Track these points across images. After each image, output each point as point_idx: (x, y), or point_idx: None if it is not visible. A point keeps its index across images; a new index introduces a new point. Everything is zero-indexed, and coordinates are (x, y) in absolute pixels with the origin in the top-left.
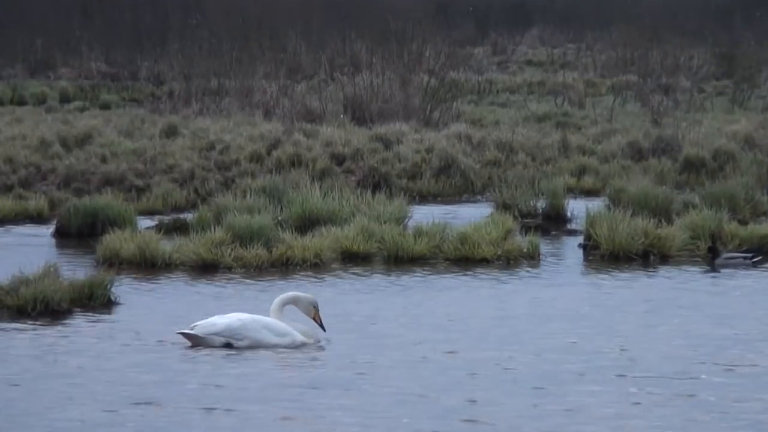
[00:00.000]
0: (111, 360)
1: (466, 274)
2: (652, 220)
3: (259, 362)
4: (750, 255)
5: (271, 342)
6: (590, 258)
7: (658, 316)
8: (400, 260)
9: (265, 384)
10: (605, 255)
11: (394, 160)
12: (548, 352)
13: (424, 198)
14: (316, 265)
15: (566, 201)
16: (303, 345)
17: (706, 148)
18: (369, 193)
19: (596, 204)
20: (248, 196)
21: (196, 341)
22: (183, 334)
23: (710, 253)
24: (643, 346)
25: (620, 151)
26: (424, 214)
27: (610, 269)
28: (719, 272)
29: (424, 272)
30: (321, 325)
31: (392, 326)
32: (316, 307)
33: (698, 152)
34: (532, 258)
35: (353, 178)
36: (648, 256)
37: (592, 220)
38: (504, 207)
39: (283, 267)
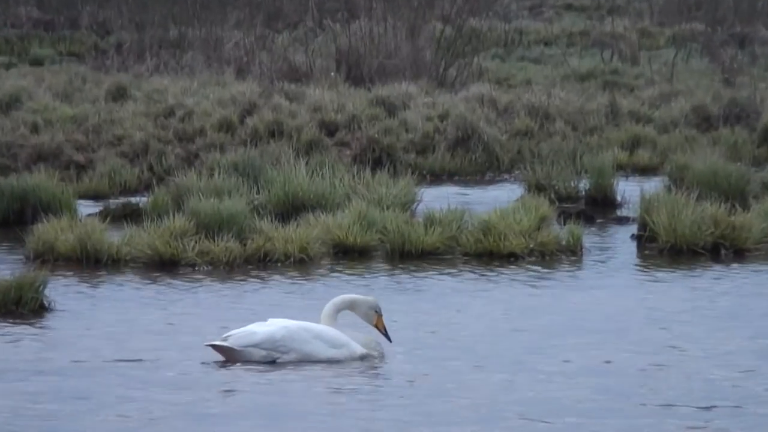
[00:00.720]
0: (31, 383)
1: (489, 274)
2: (723, 205)
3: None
4: None
5: (325, 355)
6: (646, 253)
7: (742, 329)
8: (406, 255)
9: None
10: (664, 249)
11: (400, 130)
12: (607, 378)
13: (437, 177)
14: (302, 262)
15: (615, 181)
16: (363, 358)
17: None
18: (368, 171)
19: (653, 185)
20: (216, 174)
21: (231, 355)
22: (214, 346)
23: None
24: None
25: (683, 118)
26: (437, 198)
27: (670, 267)
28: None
29: (437, 271)
30: (386, 334)
31: (417, 335)
32: (378, 312)
33: None
34: (573, 253)
35: (348, 153)
36: (718, 250)
37: (647, 206)
38: (537, 189)
39: (261, 264)
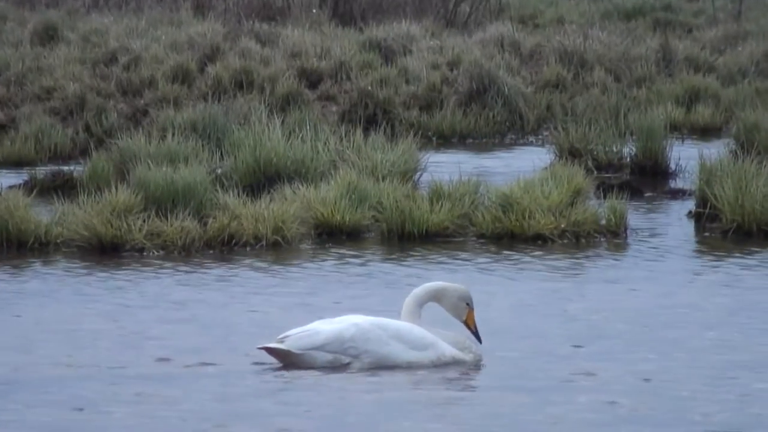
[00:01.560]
0: None
1: (510, 260)
2: None
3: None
4: None
5: (405, 359)
6: (706, 234)
7: None
8: (407, 238)
9: None
10: (730, 230)
11: (399, 81)
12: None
13: (445, 140)
14: (276, 246)
15: (668, 145)
16: (455, 362)
17: None
18: (359, 132)
19: (715, 150)
20: (170, 136)
21: (290, 359)
22: (268, 349)
23: None
24: None
25: (753, 66)
26: (445, 166)
27: (738, 252)
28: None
29: (445, 257)
30: (476, 333)
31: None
32: (470, 305)
33: None
34: (615, 235)
35: (335, 109)
36: None
37: (708, 176)
38: (571, 154)
39: (225, 248)
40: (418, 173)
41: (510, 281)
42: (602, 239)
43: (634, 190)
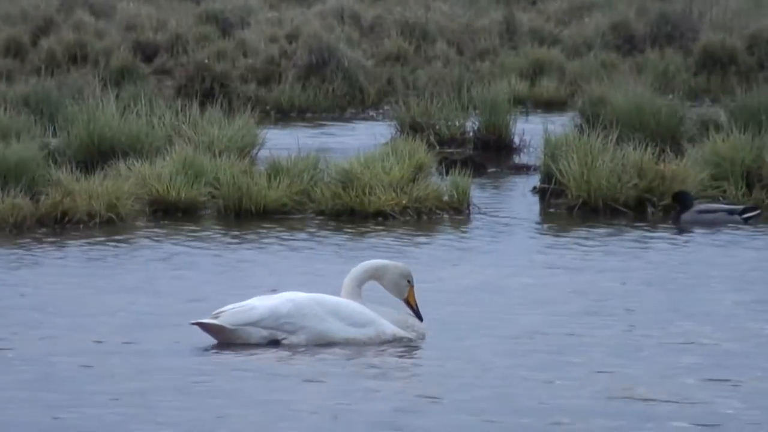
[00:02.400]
0: None
1: (350, 238)
2: (650, 149)
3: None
4: (740, 208)
5: (343, 335)
6: (551, 211)
7: (663, 315)
8: (245, 215)
9: None
10: (575, 206)
11: (237, 54)
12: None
13: (284, 114)
14: (110, 223)
15: (512, 119)
16: (397, 340)
17: (737, 33)
18: (195, 106)
19: (561, 124)
20: (1, 111)
21: (224, 335)
22: (201, 324)
23: (676, 204)
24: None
25: (599, 38)
26: (284, 141)
27: (582, 229)
28: (692, 231)
29: (283, 234)
30: (417, 312)
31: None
32: (411, 282)
33: (725, 40)
34: (458, 211)
35: (170, 83)
36: (644, 208)
37: (553, 151)
38: (413, 129)
39: (58, 226)
40: (256, 148)
41: (344, 262)
42: (445, 216)
43: (477, 166)
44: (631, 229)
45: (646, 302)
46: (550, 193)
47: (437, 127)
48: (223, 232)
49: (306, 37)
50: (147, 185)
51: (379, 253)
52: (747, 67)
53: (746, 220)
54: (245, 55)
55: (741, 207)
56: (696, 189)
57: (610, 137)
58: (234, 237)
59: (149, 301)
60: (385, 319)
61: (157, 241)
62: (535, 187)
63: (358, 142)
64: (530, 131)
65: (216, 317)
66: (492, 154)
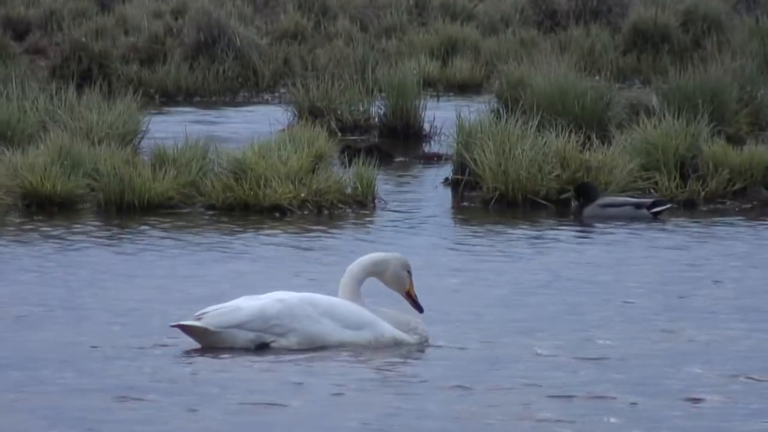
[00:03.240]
0: None
1: (243, 234)
2: (574, 137)
3: None
4: (649, 202)
5: (337, 338)
6: (465, 205)
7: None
8: (128, 209)
9: None
10: (492, 199)
11: (117, 32)
12: None
13: (170, 98)
14: None
15: (422, 104)
16: (397, 344)
17: (670, 9)
18: (72, 89)
19: (475, 109)
20: None
21: (206, 338)
22: (183, 327)
23: (579, 197)
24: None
25: (518, 14)
26: (170, 127)
27: (498, 224)
28: (592, 226)
29: (169, 230)
30: (417, 304)
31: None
32: (410, 272)
33: (657, 15)
34: (362, 205)
35: (44, 64)
36: (567, 201)
37: (467, 139)
38: (312, 114)
39: None
40: (139, 136)
41: (237, 260)
42: (348, 210)
43: (383, 155)
44: (547, 224)
45: (529, 312)
46: (463, 185)
47: (339, 112)
48: (102, 228)
49: (193, 13)
50: (19, 176)
51: (274, 251)
52: (681, 45)
53: (655, 215)
54: (126, 32)
55: (650, 200)
56: (625, 180)
57: (529, 123)
58: (115, 234)
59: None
60: (386, 321)
61: (29, 238)
62: (446, 179)
63: (252, 128)
64: (442, 117)
65: (199, 319)
66: (400, 142)
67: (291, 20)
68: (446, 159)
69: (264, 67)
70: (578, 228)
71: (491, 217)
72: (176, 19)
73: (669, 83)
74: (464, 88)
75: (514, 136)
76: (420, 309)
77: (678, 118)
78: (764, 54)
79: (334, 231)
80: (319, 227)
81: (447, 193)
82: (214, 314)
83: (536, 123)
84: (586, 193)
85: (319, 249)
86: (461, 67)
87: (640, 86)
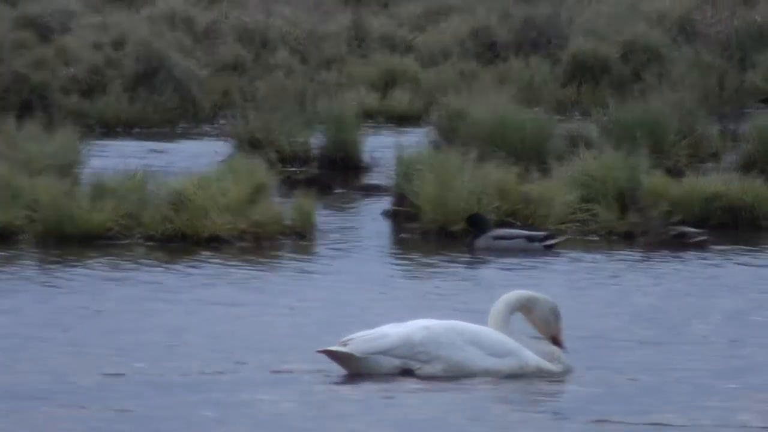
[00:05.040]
0: None
1: (181, 266)
2: (513, 169)
3: None
4: (541, 235)
5: (482, 366)
6: (404, 237)
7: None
8: (66, 240)
9: None
10: (431, 231)
11: (57, 62)
12: None
13: (109, 129)
14: None
15: (362, 135)
16: (541, 373)
17: (610, 40)
18: (12, 120)
19: (415, 140)
20: None
21: (352, 364)
22: (330, 353)
23: (471, 228)
24: None
25: (458, 46)
26: (109, 158)
27: (438, 257)
28: (481, 259)
29: (108, 261)
30: (561, 345)
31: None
32: (557, 316)
33: (596, 47)
34: (302, 237)
35: None
36: None
37: (406, 170)
38: (252, 146)
39: None
40: (79, 167)
41: (173, 295)
42: (287, 241)
43: (323, 186)
44: (496, 258)
45: None
46: (402, 216)
47: (279, 143)
48: (40, 259)
49: (133, 44)
50: None
51: (216, 281)
52: (621, 77)
53: (548, 248)
54: (66, 63)
55: (542, 234)
56: (565, 212)
57: (469, 155)
58: (52, 264)
59: None
60: (529, 349)
61: None
62: (386, 210)
63: (192, 160)
64: (381, 148)
65: (345, 344)
66: (339, 173)
67: (231, 52)
68: (386, 190)
69: (204, 99)
70: (469, 258)
71: (430, 248)
72: (116, 50)
73: (609, 115)
74: (404, 120)
75: (453, 168)
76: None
77: (617, 150)
78: (704, 86)
79: (271, 262)
80: (257, 258)
81: (386, 225)
82: (361, 340)
83: (476, 155)
84: (477, 224)
85: (255, 280)
86: (401, 98)
87: (579, 118)
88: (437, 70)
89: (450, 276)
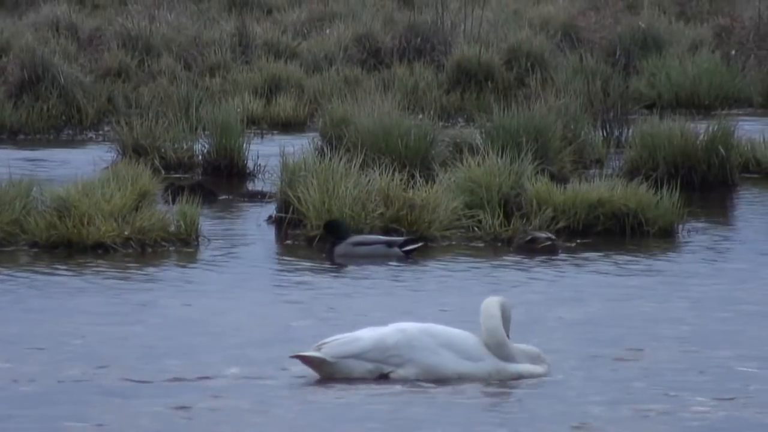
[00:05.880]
0: None
1: (66, 273)
2: (398, 175)
3: None
4: (400, 240)
5: (455, 370)
6: (288, 243)
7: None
8: None
9: None
10: (316, 237)
11: None
12: None
13: None
14: None
15: (246, 142)
16: (517, 376)
17: (494, 47)
18: None
19: (299, 146)
20: None
21: (325, 369)
22: (302, 357)
23: (329, 235)
24: None
25: (342, 52)
26: None
27: (320, 263)
28: (346, 266)
29: None
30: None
31: None
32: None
33: (480, 54)
34: (186, 243)
35: None
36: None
37: (291, 177)
38: (136, 152)
39: None
40: None
41: (55, 302)
42: (171, 248)
43: (207, 193)
44: (368, 262)
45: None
46: (287, 222)
47: (163, 150)
48: None
49: (17, 50)
50: None
51: (93, 287)
52: (505, 83)
53: (407, 254)
54: None
55: (401, 239)
56: (449, 218)
57: (353, 161)
58: None
59: None
60: (519, 356)
61: None
62: (270, 216)
63: (76, 166)
64: (266, 155)
65: (318, 349)
66: (224, 180)
67: (115, 58)
68: (270, 197)
69: (88, 105)
70: (332, 266)
71: (315, 254)
72: (0, 56)
73: (493, 121)
74: (288, 126)
75: (337, 174)
76: None
77: (502, 156)
78: (588, 92)
79: (155, 269)
80: (141, 265)
81: (271, 231)
82: (334, 344)
83: (360, 161)
84: (335, 230)
85: (137, 287)
86: (285, 105)
87: (464, 124)
88: (321, 77)
89: (334, 282)
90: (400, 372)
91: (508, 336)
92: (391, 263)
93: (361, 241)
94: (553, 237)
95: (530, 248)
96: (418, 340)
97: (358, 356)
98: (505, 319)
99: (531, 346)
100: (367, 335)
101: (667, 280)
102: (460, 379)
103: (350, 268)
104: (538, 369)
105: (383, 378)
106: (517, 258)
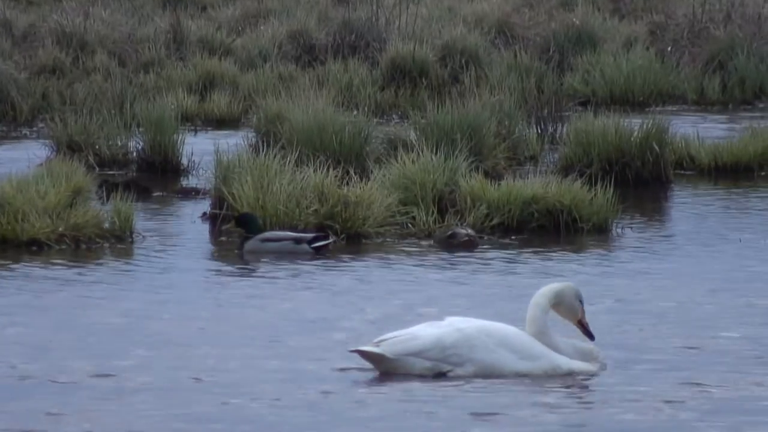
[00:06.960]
0: None
1: (1, 272)
2: (332, 171)
3: None
4: (309, 237)
5: (513, 368)
6: (223, 239)
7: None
8: None
9: None
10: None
11: None
12: None
13: None
14: None
15: (180, 138)
16: (575, 374)
17: (428, 43)
18: None
19: (234, 143)
20: None
21: (385, 365)
22: (361, 352)
23: (240, 228)
24: None
25: (276, 49)
26: None
27: (258, 260)
28: (253, 264)
29: None
30: (588, 332)
31: None
32: (581, 299)
33: (414, 51)
34: (120, 240)
35: None
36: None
37: (225, 173)
38: (70, 149)
39: None
40: None
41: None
42: (106, 244)
43: (141, 189)
44: (303, 259)
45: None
46: (221, 219)
47: (97, 146)
48: None
49: None
50: None
51: (28, 284)
52: (439, 80)
53: (317, 250)
54: None
55: (310, 235)
56: (384, 215)
57: (288, 158)
58: None
59: None
60: (570, 350)
61: None
62: (205, 213)
63: (10, 163)
64: (200, 151)
65: (377, 345)
66: (158, 176)
67: (49, 55)
68: (204, 193)
69: (22, 102)
70: (243, 263)
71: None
72: None
73: (427, 118)
74: (223, 123)
75: (272, 171)
76: (591, 337)
77: (436, 153)
78: (522, 89)
79: (89, 266)
80: (75, 262)
81: (205, 228)
82: (393, 341)
83: (295, 158)
84: (246, 224)
85: (71, 284)
86: (219, 101)
87: (398, 121)
88: (256, 73)
89: (275, 277)
90: (459, 371)
91: (581, 319)
92: (313, 261)
93: (269, 237)
94: (473, 233)
95: (449, 243)
96: (477, 339)
97: (417, 354)
98: (566, 305)
99: (586, 342)
100: (425, 333)
101: (591, 280)
102: (517, 377)
103: (278, 265)
104: (589, 367)
105: (440, 376)
106: (439, 254)
